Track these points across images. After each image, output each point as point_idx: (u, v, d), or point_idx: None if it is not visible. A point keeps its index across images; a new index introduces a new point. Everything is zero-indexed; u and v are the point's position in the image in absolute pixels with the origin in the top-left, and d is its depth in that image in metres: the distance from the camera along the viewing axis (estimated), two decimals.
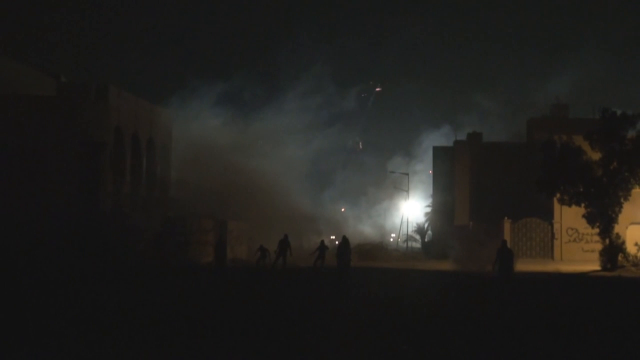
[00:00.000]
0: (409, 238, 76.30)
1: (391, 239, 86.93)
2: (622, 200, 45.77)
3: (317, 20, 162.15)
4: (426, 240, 71.93)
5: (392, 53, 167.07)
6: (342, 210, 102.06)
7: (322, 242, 42.01)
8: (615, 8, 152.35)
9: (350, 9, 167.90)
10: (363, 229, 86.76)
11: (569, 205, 47.50)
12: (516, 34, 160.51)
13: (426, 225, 73.40)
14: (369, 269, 42.75)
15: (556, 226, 55.62)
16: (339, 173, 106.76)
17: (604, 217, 45.94)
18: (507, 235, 55.90)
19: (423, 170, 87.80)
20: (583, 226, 49.73)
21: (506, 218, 56.23)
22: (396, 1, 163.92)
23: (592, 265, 46.94)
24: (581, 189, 46.09)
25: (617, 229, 47.00)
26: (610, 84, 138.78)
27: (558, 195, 47.47)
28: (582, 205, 46.50)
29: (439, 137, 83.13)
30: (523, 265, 40.68)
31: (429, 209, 74.82)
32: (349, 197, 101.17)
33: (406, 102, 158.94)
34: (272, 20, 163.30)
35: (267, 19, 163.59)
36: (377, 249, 58.70)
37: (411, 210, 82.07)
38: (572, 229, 54.66)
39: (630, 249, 47.55)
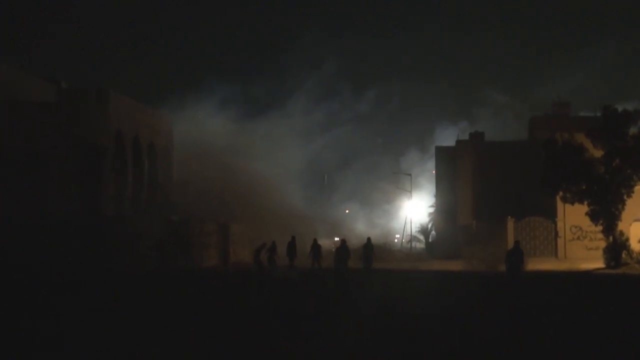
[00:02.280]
0: (412, 238, 75.82)
1: (395, 240, 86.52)
2: (625, 197, 45.41)
3: (326, 18, 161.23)
4: (430, 240, 71.52)
5: (406, 50, 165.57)
6: (346, 211, 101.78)
7: (315, 240, 40.91)
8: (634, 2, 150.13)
9: (359, 6, 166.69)
10: (367, 230, 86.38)
11: (572, 203, 47.20)
12: (536, 29, 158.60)
13: (430, 226, 72.98)
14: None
15: (559, 224, 55.20)
16: (345, 174, 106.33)
17: (607, 215, 45.60)
18: (510, 234, 55.54)
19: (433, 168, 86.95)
20: (586, 224, 49.28)
21: (509, 217, 55.84)
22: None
23: (596, 263, 46.58)
24: (584, 187, 45.78)
25: (621, 226, 46.70)
26: (628, 79, 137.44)
27: (561, 193, 47.18)
28: (585, 203, 46.18)
29: (454, 134, 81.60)
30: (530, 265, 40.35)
31: (432, 209, 74.43)
32: (355, 199, 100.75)
33: (421, 99, 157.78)
34: (281, 20, 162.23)
35: (275, 19, 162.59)
36: (380, 250, 58.25)
37: (416, 210, 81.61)
38: (575, 226, 54.24)
39: (634, 246, 47.10)
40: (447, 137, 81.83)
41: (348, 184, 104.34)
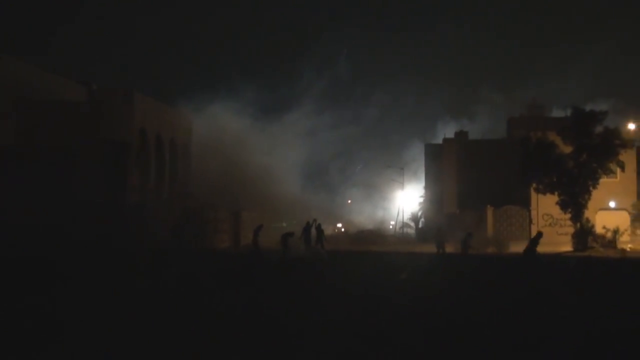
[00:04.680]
0: (404, 225, 75.36)
1: (390, 227, 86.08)
2: (591, 188, 45.16)
3: (336, 20, 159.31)
4: (420, 226, 70.93)
5: (412, 50, 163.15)
6: (349, 201, 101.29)
7: (319, 225, 39.87)
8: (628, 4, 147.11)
9: (365, 7, 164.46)
10: (365, 218, 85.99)
11: (544, 193, 46.90)
12: (534, 32, 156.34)
13: (419, 214, 72.45)
14: (366, 252, 41.74)
15: (533, 212, 54.68)
16: (350, 167, 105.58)
17: (575, 204, 45.32)
18: (490, 221, 55.13)
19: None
20: (557, 212, 48.91)
21: (489, 206, 55.36)
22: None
23: (565, 246, 46.16)
24: (555, 179, 45.53)
25: (587, 214, 46.32)
26: (614, 78, 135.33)
27: (534, 185, 47.04)
28: (556, 193, 45.91)
29: (455, 128, 79.25)
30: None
31: (422, 199, 73.95)
32: (357, 189, 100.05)
33: (426, 97, 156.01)
34: (298, 22, 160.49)
35: (293, 20, 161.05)
36: (374, 235, 58.16)
37: (410, 200, 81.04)
38: (547, 214, 53.70)
39: (599, 231, 46.74)
40: (448, 132, 79.89)
41: (352, 176, 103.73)
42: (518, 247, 45.22)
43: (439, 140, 72.49)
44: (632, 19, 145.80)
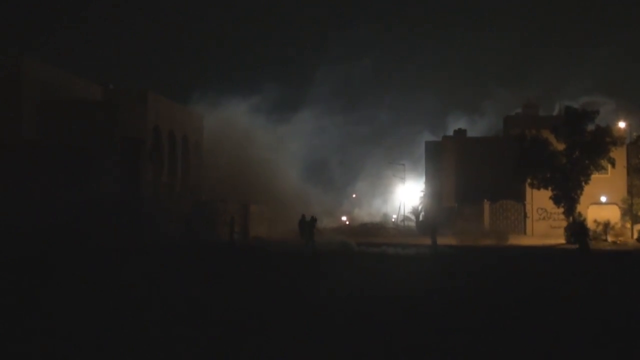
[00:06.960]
0: (405, 218, 75.04)
1: (393, 220, 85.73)
2: (583, 184, 44.91)
3: (354, 20, 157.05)
4: (420, 219, 70.54)
5: (425, 45, 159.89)
6: (353, 196, 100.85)
7: (312, 217, 38.74)
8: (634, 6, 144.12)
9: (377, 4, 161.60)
10: (370, 211, 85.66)
11: (538, 188, 46.66)
12: (541, 32, 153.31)
13: (420, 207, 72.08)
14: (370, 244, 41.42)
15: (528, 207, 54.32)
16: (356, 161, 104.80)
17: (567, 199, 45.04)
18: (486, 215, 54.74)
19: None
20: (550, 206, 48.62)
21: (486, 200, 54.98)
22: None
23: (558, 239, 45.89)
24: (548, 175, 45.29)
25: (579, 208, 46.07)
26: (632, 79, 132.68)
27: (529, 180, 46.75)
28: (550, 188, 45.63)
29: (466, 123, 77.14)
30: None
31: (422, 194, 73.59)
32: (362, 184, 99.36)
33: (437, 92, 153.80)
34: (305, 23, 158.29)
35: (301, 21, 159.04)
36: (377, 228, 58.01)
37: (413, 194, 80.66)
38: (541, 209, 53.31)
39: (591, 225, 46.28)
40: (460, 126, 77.49)
41: (359, 171, 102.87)
42: (516, 240, 45.22)
43: (426, 140, 72.24)
44: (638, 20, 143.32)
